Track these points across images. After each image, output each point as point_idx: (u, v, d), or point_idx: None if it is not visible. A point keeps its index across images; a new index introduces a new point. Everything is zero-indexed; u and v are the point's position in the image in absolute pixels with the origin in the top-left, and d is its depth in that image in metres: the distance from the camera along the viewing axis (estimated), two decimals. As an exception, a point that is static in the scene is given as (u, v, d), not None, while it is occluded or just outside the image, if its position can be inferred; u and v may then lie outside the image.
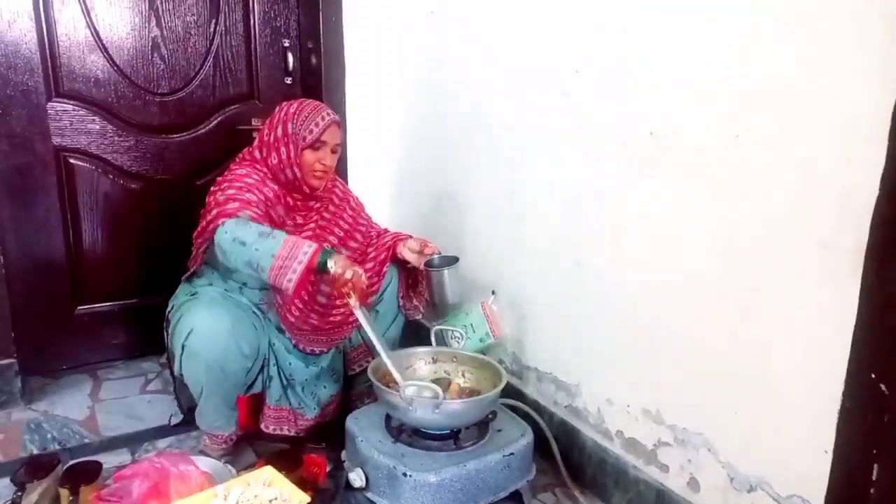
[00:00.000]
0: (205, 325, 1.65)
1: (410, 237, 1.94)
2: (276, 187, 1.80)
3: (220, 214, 1.65)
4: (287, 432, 1.87)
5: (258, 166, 1.81)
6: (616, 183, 1.60)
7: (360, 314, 1.62)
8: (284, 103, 1.84)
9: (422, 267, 1.88)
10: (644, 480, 1.60)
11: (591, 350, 1.75)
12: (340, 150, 1.87)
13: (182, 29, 2.32)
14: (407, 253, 1.88)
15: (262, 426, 1.86)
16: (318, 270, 1.60)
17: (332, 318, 1.88)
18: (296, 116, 1.78)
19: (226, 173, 1.81)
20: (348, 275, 1.59)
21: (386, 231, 2.04)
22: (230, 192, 1.72)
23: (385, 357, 1.59)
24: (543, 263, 1.88)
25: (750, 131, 1.28)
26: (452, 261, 1.88)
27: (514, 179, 1.95)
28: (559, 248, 1.81)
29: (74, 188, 2.26)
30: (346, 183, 2.27)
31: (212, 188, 1.79)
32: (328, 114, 1.81)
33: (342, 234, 1.95)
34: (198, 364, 1.67)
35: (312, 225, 1.88)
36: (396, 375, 1.57)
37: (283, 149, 1.78)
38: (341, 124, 1.86)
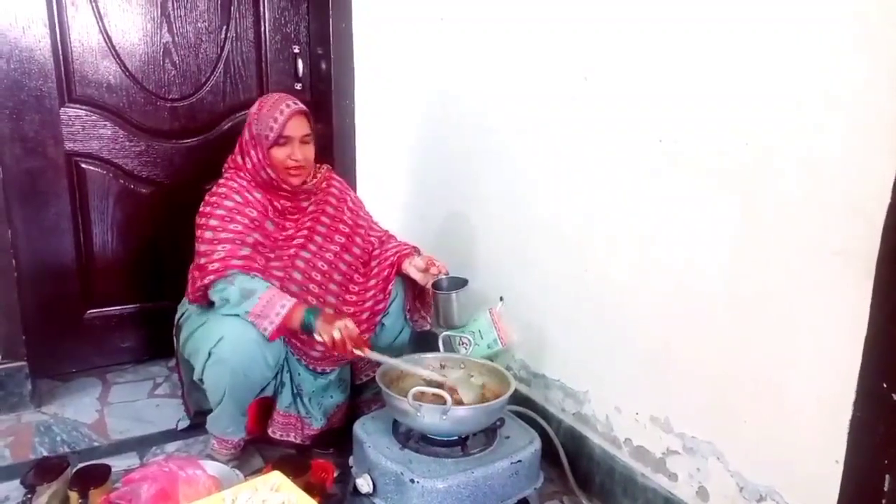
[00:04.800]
0: (236, 333, 1.64)
1: (414, 252, 1.90)
2: (260, 196, 1.78)
3: (208, 272, 1.67)
4: (293, 439, 1.87)
5: (241, 174, 1.79)
6: (624, 190, 1.60)
7: (372, 357, 1.65)
8: (257, 101, 1.82)
9: (429, 287, 1.84)
10: (652, 489, 1.59)
11: (599, 357, 1.74)
12: (314, 139, 1.81)
13: (193, 35, 2.34)
14: (412, 271, 1.85)
15: (270, 431, 1.86)
16: (304, 332, 1.64)
17: None
18: (258, 116, 1.76)
19: (214, 187, 1.80)
20: (336, 335, 1.60)
21: (387, 236, 2.01)
22: (213, 223, 1.71)
23: (415, 369, 1.66)
24: (551, 271, 1.87)
25: (759, 138, 1.28)
26: (461, 283, 1.83)
27: (523, 186, 1.95)
28: (567, 255, 1.81)
29: (85, 192, 2.28)
30: (349, 185, 2.25)
31: (202, 206, 1.78)
32: (287, 105, 1.75)
33: (343, 239, 1.92)
34: (223, 371, 1.67)
35: (305, 232, 1.85)
36: (431, 375, 1.65)
37: (252, 151, 1.77)
38: (307, 112, 1.79)
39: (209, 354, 1.66)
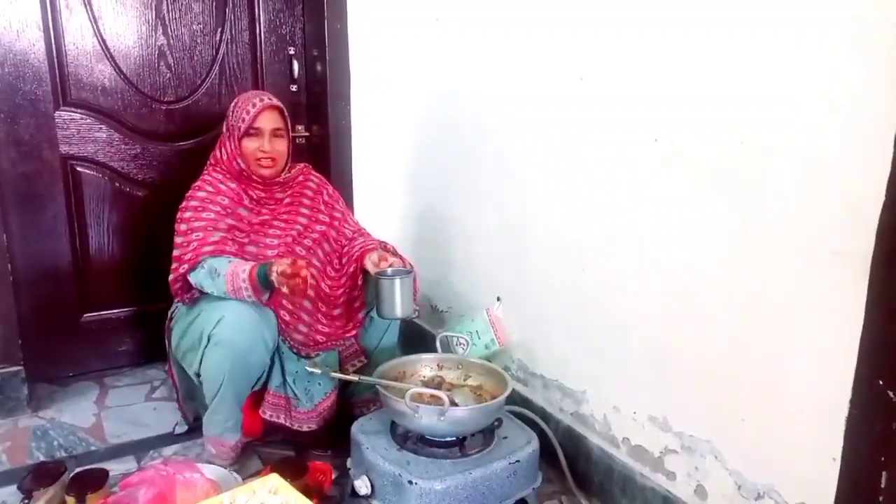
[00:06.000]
0: (235, 315, 1.65)
1: (379, 247, 1.90)
2: (234, 186, 1.84)
3: (183, 263, 1.73)
4: (283, 422, 1.84)
5: (218, 168, 1.87)
6: (622, 190, 1.60)
7: (364, 381, 1.63)
8: None
9: (373, 275, 1.82)
10: (651, 488, 1.59)
11: (597, 357, 1.75)
12: (287, 136, 1.88)
13: (188, 37, 2.33)
14: (369, 265, 1.84)
15: (261, 411, 1.85)
16: (265, 287, 1.64)
17: (320, 328, 1.89)
18: (233, 109, 1.85)
19: (195, 182, 1.87)
20: (279, 269, 1.59)
21: (360, 232, 2.03)
22: (187, 215, 1.79)
23: (388, 384, 1.61)
24: (549, 271, 1.87)
25: (758, 139, 1.28)
26: (405, 274, 1.81)
27: (521, 187, 1.95)
28: (565, 255, 1.81)
29: (81, 195, 2.28)
30: (344, 186, 2.26)
31: (183, 202, 1.83)
32: (261, 100, 1.83)
33: (323, 228, 1.97)
34: (223, 355, 1.66)
35: (283, 224, 1.88)
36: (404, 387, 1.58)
37: (227, 143, 1.84)
38: (281, 109, 1.86)
39: (208, 339, 1.66)
